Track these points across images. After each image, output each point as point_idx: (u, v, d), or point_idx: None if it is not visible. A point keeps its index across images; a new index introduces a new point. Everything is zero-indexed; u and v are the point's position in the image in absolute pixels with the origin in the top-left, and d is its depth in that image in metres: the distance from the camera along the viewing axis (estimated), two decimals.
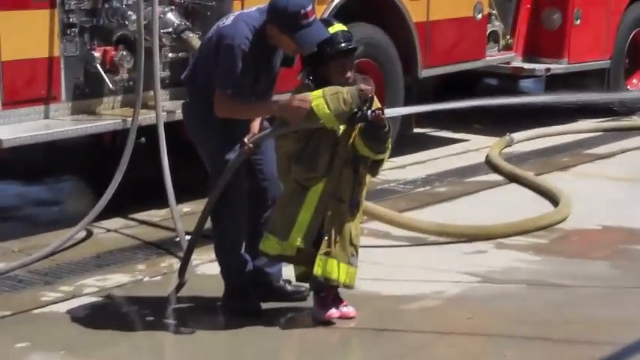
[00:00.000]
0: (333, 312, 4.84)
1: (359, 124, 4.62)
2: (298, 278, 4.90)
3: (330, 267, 4.71)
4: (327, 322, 4.81)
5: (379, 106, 4.74)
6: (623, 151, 8.98)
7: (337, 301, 4.89)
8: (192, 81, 4.90)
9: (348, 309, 4.90)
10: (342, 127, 4.69)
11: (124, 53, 6.39)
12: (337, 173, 4.71)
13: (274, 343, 4.76)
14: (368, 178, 4.87)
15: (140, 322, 5.05)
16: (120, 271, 5.69)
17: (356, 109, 4.53)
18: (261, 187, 4.98)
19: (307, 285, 4.98)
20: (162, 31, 6.48)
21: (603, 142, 9.30)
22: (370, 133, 4.62)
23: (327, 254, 4.71)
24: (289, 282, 5.11)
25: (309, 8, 4.64)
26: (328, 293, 4.87)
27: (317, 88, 4.66)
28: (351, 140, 4.68)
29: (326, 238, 4.72)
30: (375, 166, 4.77)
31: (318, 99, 4.54)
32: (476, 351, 4.71)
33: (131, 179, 6.20)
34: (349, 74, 4.68)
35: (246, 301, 4.96)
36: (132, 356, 4.59)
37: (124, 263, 5.82)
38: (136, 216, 6.66)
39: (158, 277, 5.59)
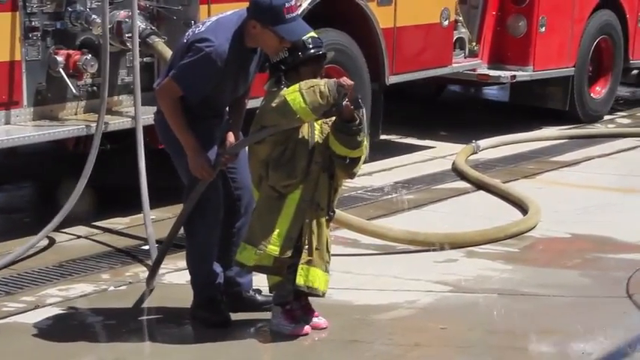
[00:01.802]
0: (305, 328, 4.75)
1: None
2: (272, 289, 4.80)
3: (312, 276, 4.64)
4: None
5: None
6: (588, 159, 9.02)
7: (309, 312, 4.80)
8: None
9: (319, 320, 4.81)
10: (317, 131, 4.64)
11: (88, 57, 6.25)
12: (314, 178, 4.64)
13: (244, 355, 4.65)
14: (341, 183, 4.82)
15: (105, 334, 4.93)
16: (84, 280, 5.55)
17: (333, 103, 4.45)
18: (234, 196, 4.89)
19: None
20: (127, 35, 6.37)
21: (568, 150, 9.35)
22: (341, 128, 4.54)
23: (309, 263, 4.64)
24: (259, 292, 5.02)
25: (293, 2, 4.57)
26: (296, 306, 4.77)
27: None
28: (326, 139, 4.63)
29: (307, 246, 4.64)
30: (352, 165, 4.66)
31: (293, 93, 4.46)
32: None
33: (95, 186, 6.09)
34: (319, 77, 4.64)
35: (216, 312, 4.85)
36: None
37: (87, 272, 5.69)
38: (100, 224, 6.54)
39: (123, 287, 5.46)
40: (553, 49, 10.09)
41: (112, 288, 5.46)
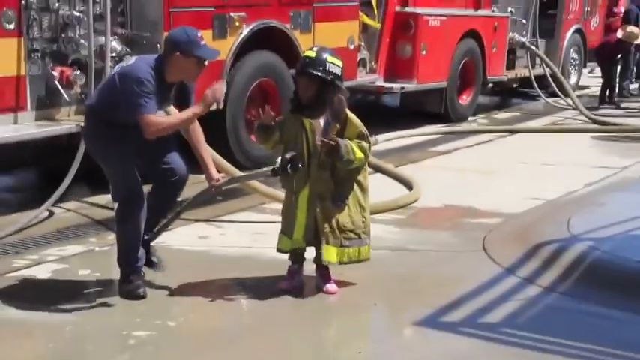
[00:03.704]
0: (283, 284, 4.68)
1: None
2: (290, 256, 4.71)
3: (327, 253, 4.54)
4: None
5: (359, 131, 4.46)
6: (457, 149, 9.13)
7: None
8: (99, 107, 4.45)
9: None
10: (310, 139, 4.44)
11: (78, 73, 6.20)
12: (316, 177, 4.46)
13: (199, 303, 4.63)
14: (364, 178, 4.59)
15: (94, 283, 4.85)
16: (76, 242, 5.49)
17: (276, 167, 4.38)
18: (167, 173, 4.56)
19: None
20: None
21: (443, 142, 9.46)
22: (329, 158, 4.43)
23: (327, 243, 4.52)
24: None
25: (199, 33, 4.40)
26: (294, 267, 4.73)
27: (293, 107, 4.48)
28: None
29: (321, 230, 4.51)
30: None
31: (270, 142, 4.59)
32: (353, 300, 4.67)
33: (84, 170, 6.01)
34: (308, 93, 4.37)
35: (136, 287, 4.52)
36: (87, 312, 4.39)
37: (79, 236, 5.62)
38: (89, 199, 6.45)
39: (106, 247, 5.38)
40: (431, 67, 10.22)
41: (97, 248, 5.41)
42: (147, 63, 4.35)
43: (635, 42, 12.87)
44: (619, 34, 12.86)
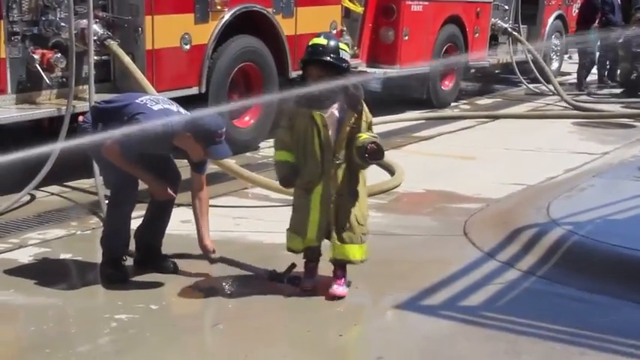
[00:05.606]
0: (306, 284, 4.51)
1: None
2: (306, 254, 4.52)
3: (346, 251, 4.35)
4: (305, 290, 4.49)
5: (370, 121, 4.25)
6: (440, 134, 9.20)
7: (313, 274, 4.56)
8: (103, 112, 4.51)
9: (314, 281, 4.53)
10: (322, 137, 4.22)
11: (58, 56, 6.18)
12: (332, 174, 4.25)
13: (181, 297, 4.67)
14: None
15: (74, 267, 4.87)
16: (57, 226, 5.50)
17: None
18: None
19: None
20: None
21: (425, 128, 9.52)
22: (362, 162, 4.25)
23: (341, 241, 4.34)
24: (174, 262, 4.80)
25: (224, 129, 4.28)
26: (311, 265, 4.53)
27: (299, 100, 4.21)
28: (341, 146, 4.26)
29: (334, 228, 4.32)
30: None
31: (277, 154, 4.40)
32: (329, 284, 4.62)
33: (65, 155, 5.99)
34: (316, 81, 4.10)
35: (120, 270, 4.58)
36: (69, 295, 4.41)
37: (60, 220, 5.63)
38: (70, 184, 6.45)
39: (88, 231, 5.41)
40: (414, 52, 10.23)
41: (79, 232, 5.42)
42: (167, 122, 4.23)
43: None
44: None
